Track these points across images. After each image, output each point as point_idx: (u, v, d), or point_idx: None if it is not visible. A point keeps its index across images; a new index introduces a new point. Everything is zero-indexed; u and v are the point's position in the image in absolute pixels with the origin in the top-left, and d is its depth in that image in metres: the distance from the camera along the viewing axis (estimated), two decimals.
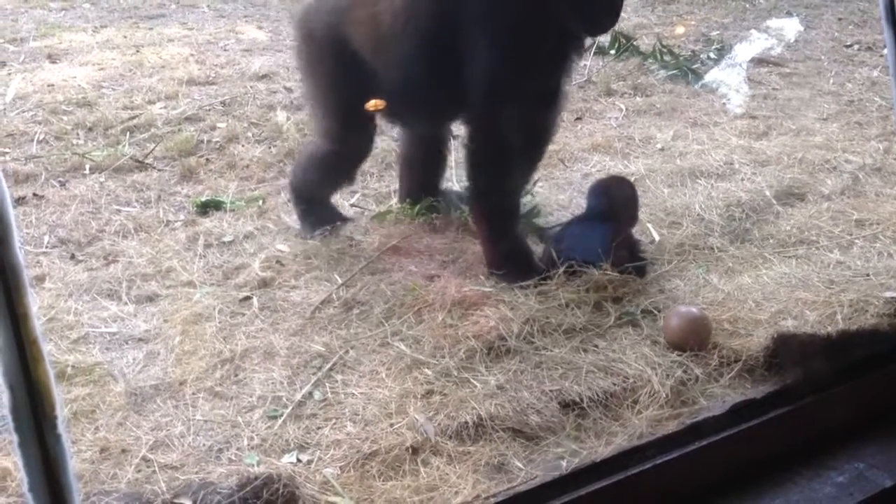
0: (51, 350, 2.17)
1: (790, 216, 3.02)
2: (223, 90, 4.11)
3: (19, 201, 3.02)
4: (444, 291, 2.54)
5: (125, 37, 4.81)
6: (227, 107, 3.94)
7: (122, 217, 2.97)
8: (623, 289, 2.53)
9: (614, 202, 2.75)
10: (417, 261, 2.74)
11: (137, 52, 4.54)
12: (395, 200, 3.14)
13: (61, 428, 1.07)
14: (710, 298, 2.51)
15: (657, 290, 2.59)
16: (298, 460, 1.84)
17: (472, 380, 2.11)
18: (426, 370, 2.15)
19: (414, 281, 2.58)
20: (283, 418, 1.97)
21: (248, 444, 1.88)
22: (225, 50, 4.76)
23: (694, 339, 2.25)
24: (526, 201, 3.05)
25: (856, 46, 5.20)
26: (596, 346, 2.30)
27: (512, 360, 2.21)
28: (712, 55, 4.75)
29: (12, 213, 1.06)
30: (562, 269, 2.54)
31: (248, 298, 2.47)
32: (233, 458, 1.83)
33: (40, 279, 2.58)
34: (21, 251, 1.06)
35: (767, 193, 3.15)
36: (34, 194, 3.09)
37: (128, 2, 5.56)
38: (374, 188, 3.32)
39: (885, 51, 2.34)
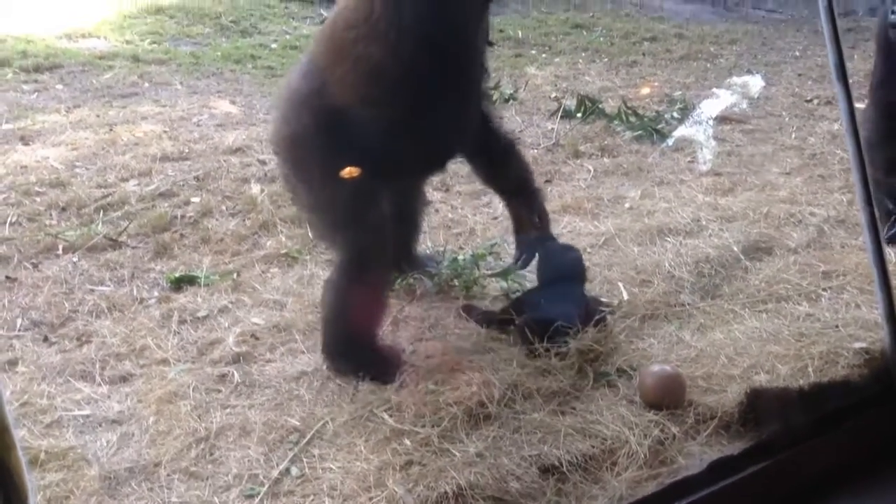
0: (24, 436, 2.15)
1: (758, 270, 3.07)
2: (197, 165, 4.14)
3: None
4: (425, 357, 2.56)
5: (98, 116, 4.84)
6: (200, 181, 3.96)
7: (96, 297, 2.96)
8: (598, 348, 2.55)
9: (571, 265, 2.79)
10: (396, 327, 2.75)
11: (111, 130, 4.57)
12: None
13: None
14: (684, 355, 2.54)
15: (632, 348, 2.62)
16: None
17: (451, 449, 2.10)
18: (405, 440, 2.15)
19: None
20: (259, 497, 1.95)
21: None
22: (198, 125, 4.80)
23: (669, 398, 2.28)
24: (498, 263, 3.10)
25: (815, 101, 5.35)
26: (574, 408, 2.31)
27: (492, 426, 2.21)
28: (676, 115, 4.87)
29: None
30: (538, 337, 2.56)
31: (223, 375, 2.46)
32: None
33: (13, 363, 2.55)
34: None
35: (735, 249, 3.21)
36: (7, 277, 3.07)
37: (101, 81, 5.60)
38: None
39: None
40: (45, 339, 2.72)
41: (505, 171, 2.81)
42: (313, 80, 2.47)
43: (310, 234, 2.84)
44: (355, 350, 2.49)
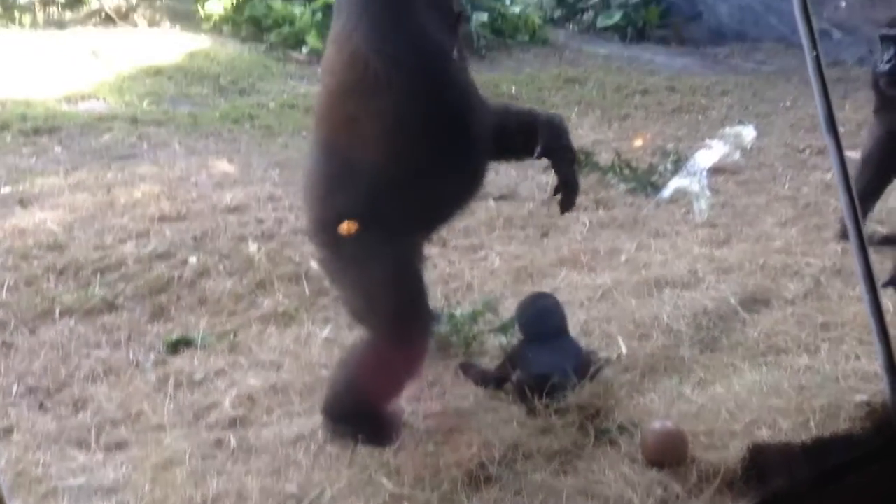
0: None
1: (757, 323, 3.06)
2: (194, 225, 4.15)
3: None
4: (424, 418, 2.54)
5: (97, 177, 4.87)
6: (198, 241, 3.97)
7: (92, 361, 2.95)
8: (598, 404, 2.54)
9: (559, 317, 2.78)
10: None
11: (109, 191, 4.60)
12: None
13: None
14: (685, 411, 2.52)
15: (632, 404, 2.60)
16: None
17: None
18: None
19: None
20: None
21: None
22: (196, 185, 4.83)
23: (671, 455, 2.26)
24: (496, 318, 3.09)
25: (808, 151, 5.38)
26: (575, 467, 2.30)
27: (493, 489, 2.20)
28: (669, 166, 4.89)
29: None
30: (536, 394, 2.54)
31: (219, 440, 2.43)
32: None
33: (8, 431, 2.54)
34: None
35: (733, 301, 3.21)
36: (3, 342, 3.07)
37: (99, 143, 5.65)
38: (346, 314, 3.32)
39: None
40: (41, 405, 2.70)
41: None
42: (328, 162, 2.49)
43: (347, 317, 2.77)
44: (355, 412, 2.45)
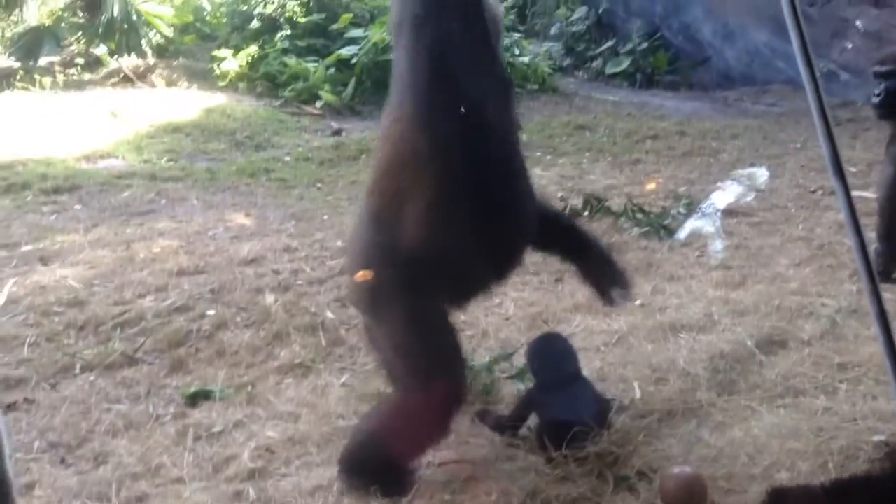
0: None
1: (773, 364, 3.06)
2: (212, 278, 4.21)
3: (10, 407, 3.04)
4: (440, 466, 2.54)
5: (116, 234, 4.96)
6: (215, 294, 4.02)
7: (112, 415, 2.98)
8: (617, 451, 2.53)
9: (572, 360, 2.77)
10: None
11: (128, 247, 4.68)
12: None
13: None
14: (704, 455, 2.51)
15: (651, 449, 2.59)
16: None
17: None
18: None
19: None
20: None
21: None
22: (214, 239, 4.91)
23: (691, 501, 2.25)
24: (511, 366, 3.10)
25: (820, 192, 5.40)
26: None
27: None
28: (682, 210, 4.92)
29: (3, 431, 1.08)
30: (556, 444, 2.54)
31: (238, 492, 2.44)
32: None
33: (30, 487, 2.56)
34: (11, 462, 1.08)
35: (749, 343, 3.21)
36: (25, 399, 3.10)
37: (119, 200, 5.76)
38: (362, 363, 3.35)
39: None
40: (63, 460, 2.72)
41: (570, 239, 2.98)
42: (374, 230, 2.58)
43: (385, 381, 2.81)
44: (373, 464, 2.47)
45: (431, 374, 2.47)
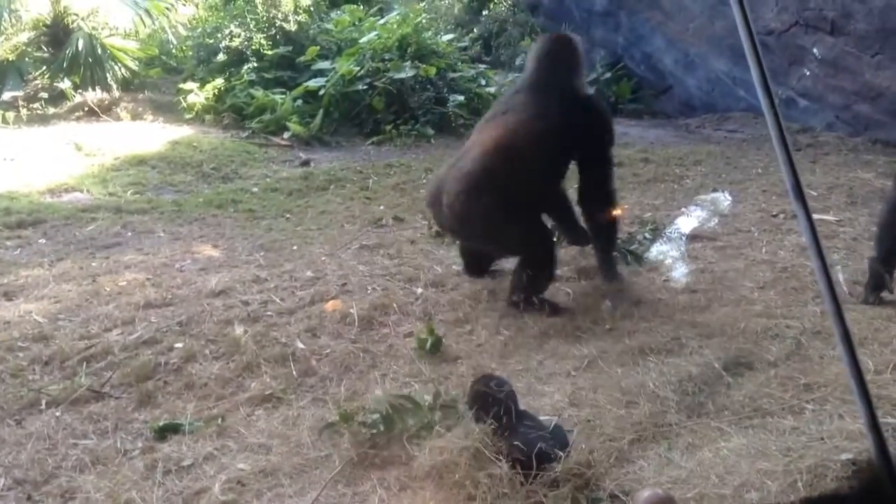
0: None
1: (741, 386, 3.10)
2: (180, 310, 4.16)
3: None
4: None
5: (81, 268, 4.89)
6: (183, 326, 3.98)
7: (79, 451, 2.93)
8: (588, 472, 2.54)
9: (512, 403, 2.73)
10: (386, 470, 2.72)
11: (94, 281, 4.61)
12: (356, 403, 3.15)
13: None
14: (674, 476, 2.53)
15: (622, 472, 2.61)
16: None
17: None
18: None
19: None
20: None
21: None
22: (181, 271, 4.86)
23: None
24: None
25: (782, 216, 5.50)
26: None
27: None
28: (648, 235, 4.99)
29: None
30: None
31: None
32: None
33: None
34: None
35: (716, 365, 3.25)
36: None
37: (84, 233, 5.69)
38: (333, 393, 3.33)
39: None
40: (29, 497, 2.67)
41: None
42: (482, 165, 4.11)
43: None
44: (530, 297, 4.07)
45: (543, 244, 4.16)
